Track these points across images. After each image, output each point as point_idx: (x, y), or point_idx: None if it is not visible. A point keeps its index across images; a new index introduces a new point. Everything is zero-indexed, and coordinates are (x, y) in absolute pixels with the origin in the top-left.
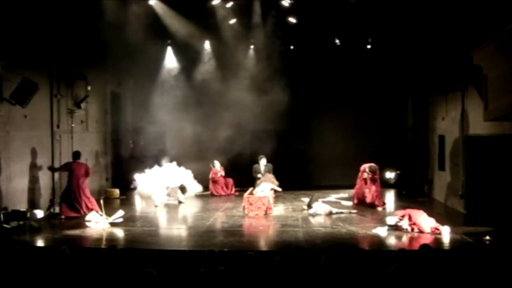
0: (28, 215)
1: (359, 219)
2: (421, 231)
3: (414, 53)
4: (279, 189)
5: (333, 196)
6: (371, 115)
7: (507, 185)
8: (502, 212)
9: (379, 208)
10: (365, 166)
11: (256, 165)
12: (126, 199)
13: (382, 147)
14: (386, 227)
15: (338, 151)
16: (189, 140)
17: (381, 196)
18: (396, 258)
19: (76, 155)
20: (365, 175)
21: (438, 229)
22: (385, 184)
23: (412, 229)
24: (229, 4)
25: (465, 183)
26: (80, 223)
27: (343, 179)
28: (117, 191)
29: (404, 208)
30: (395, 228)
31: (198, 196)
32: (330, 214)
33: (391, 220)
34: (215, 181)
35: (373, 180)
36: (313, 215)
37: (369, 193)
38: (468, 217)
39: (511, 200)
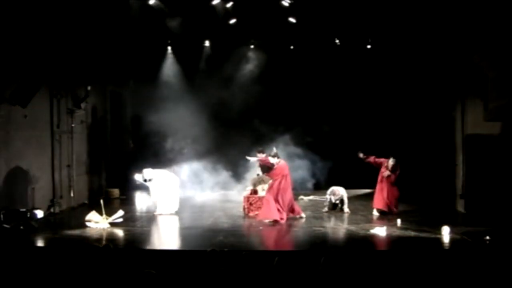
0: (28, 215)
1: (359, 219)
2: None
3: (414, 53)
4: None
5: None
6: (371, 115)
7: (507, 185)
8: (502, 212)
9: (376, 212)
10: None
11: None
12: (126, 199)
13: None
14: (385, 227)
15: (337, 150)
16: (190, 140)
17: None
18: (396, 258)
19: None
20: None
21: None
22: None
23: None
24: (229, 4)
25: (465, 183)
26: (80, 223)
27: (342, 180)
28: (117, 191)
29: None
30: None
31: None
32: (340, 202)
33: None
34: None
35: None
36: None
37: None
38: (468, 217)
39: (511, 200)
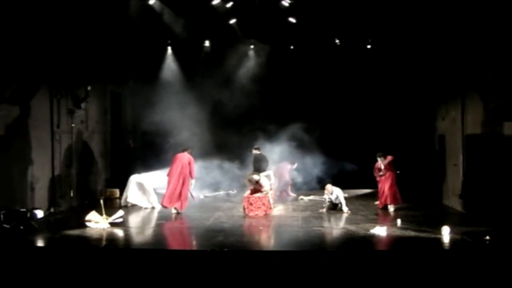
0: (28, 215)
1: (359, 219)
2: None
3: (414, 53)
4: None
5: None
6: (371, 115)
7: (506, 185)
8: (501, 212)
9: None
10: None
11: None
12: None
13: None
14: (385, 227)
15: (337, 150)
16: (189, 140)
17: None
18: (396, 258)
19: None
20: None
21: None
22: None
23: None
24: (229, 4)
25: (464, 183)
26: (80, 223)
27: (342, 180)
28: (117, 191)
29: None
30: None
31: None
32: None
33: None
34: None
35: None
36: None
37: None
38: (468, 217)
39: (510, 200)
